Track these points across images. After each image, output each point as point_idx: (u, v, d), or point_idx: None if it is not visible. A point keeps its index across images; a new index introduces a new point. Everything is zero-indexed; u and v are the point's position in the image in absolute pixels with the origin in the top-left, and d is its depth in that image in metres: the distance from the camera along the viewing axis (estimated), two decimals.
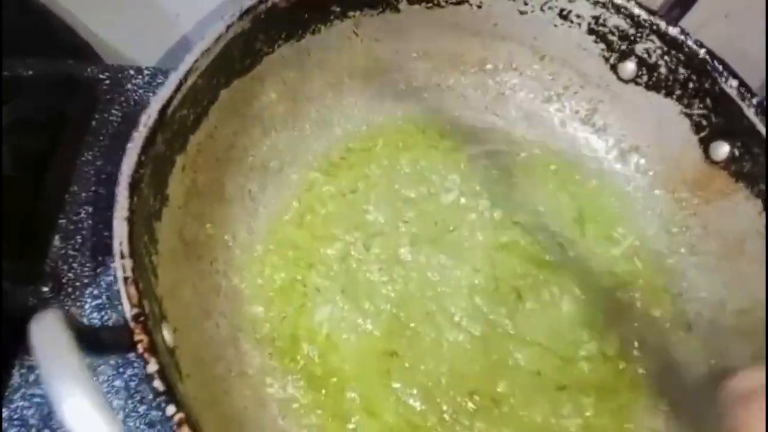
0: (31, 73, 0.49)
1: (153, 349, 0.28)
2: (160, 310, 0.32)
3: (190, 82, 0.35)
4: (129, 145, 0.32)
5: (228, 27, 0.37)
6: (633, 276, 0.45)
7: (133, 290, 0.29)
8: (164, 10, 0.50)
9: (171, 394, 0.27)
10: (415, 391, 0.39)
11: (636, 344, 0.42)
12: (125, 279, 0.29)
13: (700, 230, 0.45)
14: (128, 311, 0.28)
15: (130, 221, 0.30)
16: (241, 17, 0.38)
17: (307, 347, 0.39)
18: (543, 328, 0.42)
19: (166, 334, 0.32)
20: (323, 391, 0.39)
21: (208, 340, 0.37)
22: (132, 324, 0.28)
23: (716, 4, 0.47)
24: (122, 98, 0.50)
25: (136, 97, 0.50)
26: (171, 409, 0.27)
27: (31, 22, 0.50)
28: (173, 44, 0.53)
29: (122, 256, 0.29)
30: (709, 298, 0.43)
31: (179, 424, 0.26)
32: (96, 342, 0.27)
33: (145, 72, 0.51)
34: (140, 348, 0.27)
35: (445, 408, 0.39)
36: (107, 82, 0.51)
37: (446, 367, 0.40)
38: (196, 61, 0.35)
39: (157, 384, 0.27)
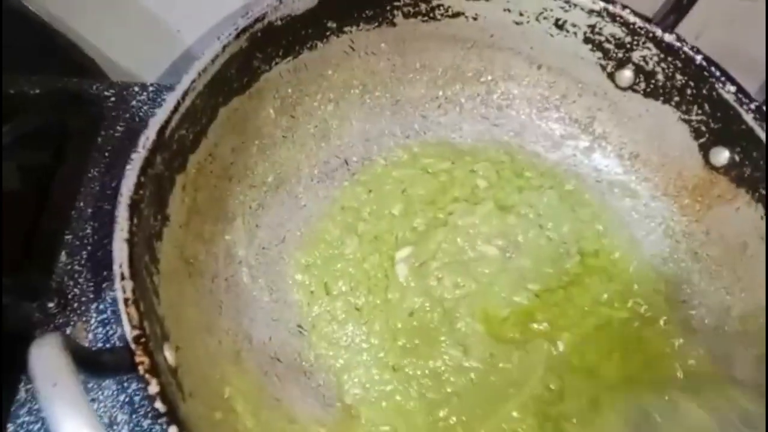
0: (37, 90, 0.50)
1: (154, 370, 0.28)
2: (162, 329, 0.32)
3: (188, 102, 0.36)
4: (128, 167, 0.32)
5: (224, 47, 0.37)
6: (636, 284, 0.45)
7: (133, 311, 0.29)
8: (166, 26, 0.51)
9: (173, 415, 0.27)
10: None
11: None
12: (125, 300, 0.29)
13: (703, 236, 0.45)
14: (129, 333, 0.28)
15: (130, 243, 0.31)
16: (237, 36, 0.38)
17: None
18: None
19: (168, 354, 0.32)
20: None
21: (212, 358, 0.37)
22: (133, 345, 0.28)
23: (712, 10, 0.47)
24: (127, 114, 0.51)
25: (141, 114, 0.51)
26: (173, 430, 0.27)
27: (37, 39, 0.51)
28: (176, 59, 0.53)
29: (122, 278, 0.29)
30: (713, 305, 0.43)
31: None
32: (98, 364, 0.28)
33: (150, 88, 0.52)
34: (141, 369, 0.28)
35: None
36: (112, 98, 0.51)
37: None
38: (193, 81, 0.36)
39: (159, 405, 0.27)
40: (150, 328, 0.30)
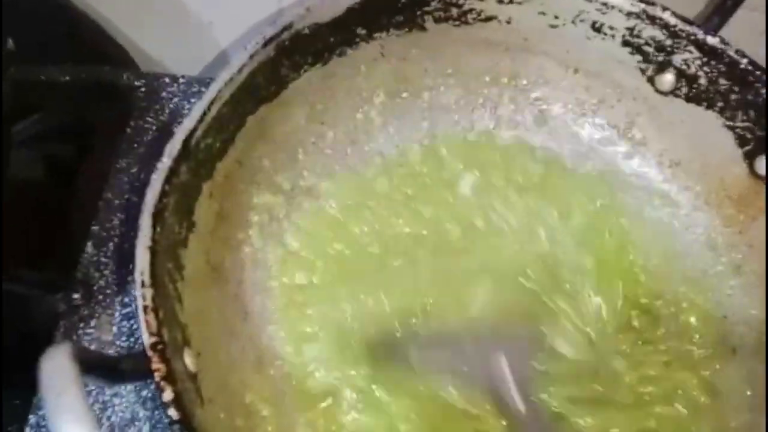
0: (67, 78, 0.51)
1: (170, 377, 0.29)
2: (183, 335, 0.33)
3: (214, 111, 0.36)
4: (153, 176, 0.33)
5: (251, 56, 0.38)
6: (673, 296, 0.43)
7: (152, 319, 0.30)
8: (198, 18, 0.51)
9: (186, 422, 0.28)
10: None
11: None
12: (144, 308, 0.30)
13: (746, 249, 0.43)
14: (146, 340, 0.29)
15: (153, 251, 0.32)
16: (264, 45, 0.38)
17: None
18: None
19: (189, 360, 0.32)
20: None
21: (234, 364, 0.38)
22: (150, 352, 0.29)
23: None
24: (157, 106, 0.51)
25: (171, 106, 0.51)
26: None
27: (68, 27, 0.52)
28: (208, 53, 0.54)
29: (143, 285, 0.30)
30: (755, 322, 0.41)
31: None
32: (116, 370, 0.28)
33: (181, 81, 0.52)
34: (157, 376, 0.28)
35: None
36: (143, 89, 0.52)
37: None
38: (220, 91, 0.36)
39: (173, 413, 0.28)
40: (169, 335, 0.31)
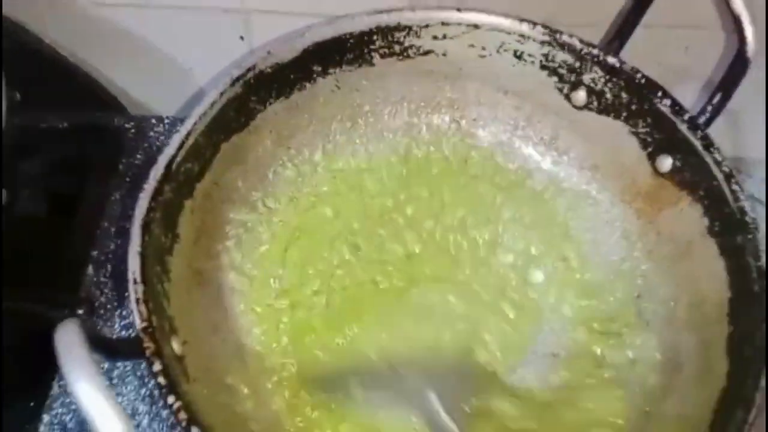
0: (65, 124, 0.58)
1: (159, 353, 0.35)
2: (171, 325, 0.39)
3: (191, 140, 0.43)
4: (140, 194, 0.40)
5: (221, 93, 0.45)
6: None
7: (143, 308, 0.36)
8: (179, 65, 0.58)
9: (172, 388, 0.34)
10: None
11: None
12: (137, 300, 0.36)
13: (655, 236, 0.50)
14: (139, 324, 0.36)
15: (142, 255, 0.38)
16: (232, 84, 0.45)
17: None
18: None
19: (176, 345, 0.39)
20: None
21: (217, 353, 0.44)
22: (142, 334, 0.35)
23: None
24: (146, 144, 0.59)
25: (158, 143, 0.59)
26: (171, 399, 0.33)
27: (65, 79, 0.58)
28: (189, 96, 0.60)
29: (135, 282, 0.37)
30: (664, 297, 0.47)
31: (177, 410, 0.33)
32: (113, 348, 0.35)
33: (166, 121, 0.60)
34: (148, 352, 0.35)
35: None
36: (132, 130, 0.59)
37: None
38: (195, 123, 0.43)
39: (161, 380, 0.34)
40: (158, 323, 0.37)
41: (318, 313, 0.48)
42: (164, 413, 0.46)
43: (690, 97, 0.48)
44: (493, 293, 0.50)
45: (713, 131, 0.46)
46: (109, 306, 0.51)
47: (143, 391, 0.48)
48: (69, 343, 0.28)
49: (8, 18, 0.54)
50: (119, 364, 0.48)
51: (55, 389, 0.48)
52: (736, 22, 0.44)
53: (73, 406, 0.47)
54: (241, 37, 0.56)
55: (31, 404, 0.48)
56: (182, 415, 0.33)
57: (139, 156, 0.59)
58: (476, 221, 0.53)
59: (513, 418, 0.45)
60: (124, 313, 0.51)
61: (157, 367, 0.34)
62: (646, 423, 0.44)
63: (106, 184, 0.57)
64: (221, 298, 0.47)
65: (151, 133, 0.60)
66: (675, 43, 0.54)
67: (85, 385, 0.27)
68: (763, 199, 0.61)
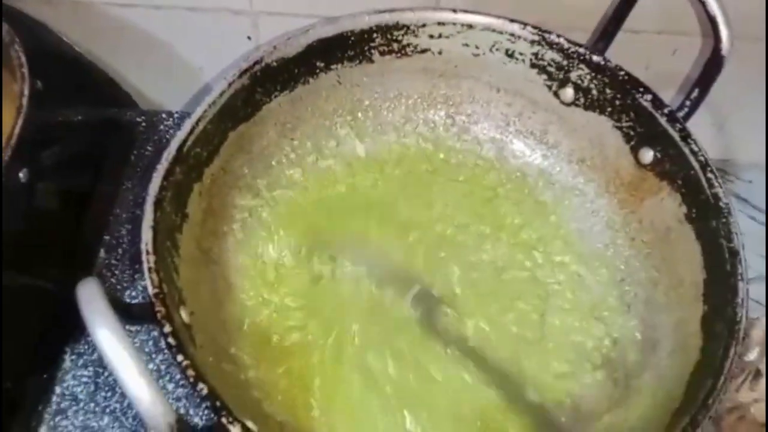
0: (81, 118, 0.60)
1: (169, 317, 0.38)
2: (179, 296, 0.42)
3: (201, 126, 0.46)
4: (154, 174, 0.43)
5: (229, 84, 0.48)
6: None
7: (155, 276, 0.39)
8: (189, 64, 0.62)
9: (180, 348, 0.37)
10: None
11: None
12: (149, 269, 0.39)
13: (637, 225, 0.52)
14: (151, 290, 0.38)
15: (154, 229, 0.41)
16: (240, 76, 0.48)
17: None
18: None
19: (184, 314, 0.41)
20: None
21: (221, 325, 0.47)
22: (153, 300, 0.38)
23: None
24: (156, 137, 0.62)
25: (168, 136, 0.62)
26: (180, 357, 0.36)
27: (81, 76, 0.62)
28: (198, 91, 0.64)
29: (147, 253, 0.40)
30: (644, 281, 0.50)
31: (186, 367, 0.36)
32: (126, 310, 0.38)
33: (175, 115, 0.63)
34: (158, 315, 0.37)
35: None
36: (143, 124, 0.63)
37: None
38: (205, 111, 0.46)
39: (171, 340, 0.37)
40: (168, 292, 0.40)
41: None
42: (170, 387, 0.49)
43: (678, 99, 0.51)
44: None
45: (702, 136, 0.48)
46: (119, 287, 0.54)
47: (150, 365, 0.50)
48: (90, 295, 0.31)
49: (32, 18, 0.58)
50: None
51: (67, 363, 0.51)
52: (712, 22, 0.47)
53: (84, 379, 0.50)
54: (249, 38, 0.60)
55: (45, 376, 0.51)
56: (190, 372, 0.36)
57: (149, 148, 0.62)
58: (468, 215, 0.56)
59: None
60: (133, 293, 0.54)
61: (167, 328, 0.37)
62: (626, 395, 0.46)
63: (119, 175, 0.61)
64: (227, 276, 0.50)
65: (161, 127, 0.63)
66: (662, 48, 0.57)
67: (106, 330, 0.30)
68: (750, 199, 0.64)
